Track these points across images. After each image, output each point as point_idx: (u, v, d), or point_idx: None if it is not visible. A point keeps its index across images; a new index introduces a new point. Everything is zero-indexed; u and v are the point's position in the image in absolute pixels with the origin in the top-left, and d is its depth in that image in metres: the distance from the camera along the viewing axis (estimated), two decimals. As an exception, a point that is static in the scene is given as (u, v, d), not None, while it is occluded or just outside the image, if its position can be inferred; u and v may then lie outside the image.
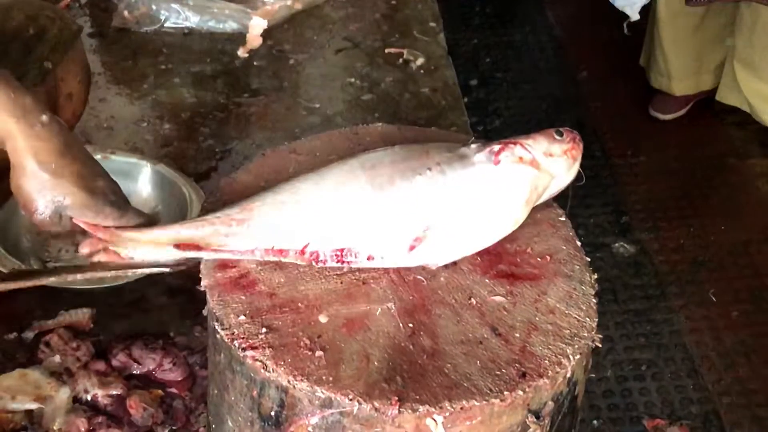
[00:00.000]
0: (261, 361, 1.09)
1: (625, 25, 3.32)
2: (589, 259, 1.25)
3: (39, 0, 1.43)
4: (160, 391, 1.65)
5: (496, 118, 3.47)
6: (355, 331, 1.13)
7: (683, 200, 3.09)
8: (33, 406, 1.59)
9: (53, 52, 1.32)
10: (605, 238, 2.93)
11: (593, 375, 2.47)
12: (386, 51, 2.45)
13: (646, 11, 3.27)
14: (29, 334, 1.73)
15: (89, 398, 1.62)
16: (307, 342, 1.11)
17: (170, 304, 1.76)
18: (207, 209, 1.27)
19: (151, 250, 1.20)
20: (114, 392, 1.63)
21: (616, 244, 2.91)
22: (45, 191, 1.13)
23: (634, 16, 3.27)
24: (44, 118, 1.12)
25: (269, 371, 1.09)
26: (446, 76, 2.37)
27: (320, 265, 1.18)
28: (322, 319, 1.14)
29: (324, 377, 1.07)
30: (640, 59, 3.46)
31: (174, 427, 1.61)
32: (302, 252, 1.17)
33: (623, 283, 2.79)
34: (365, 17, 2.61)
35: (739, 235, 2.88)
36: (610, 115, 3.47)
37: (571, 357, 1.11)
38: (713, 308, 2.64)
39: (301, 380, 1.07)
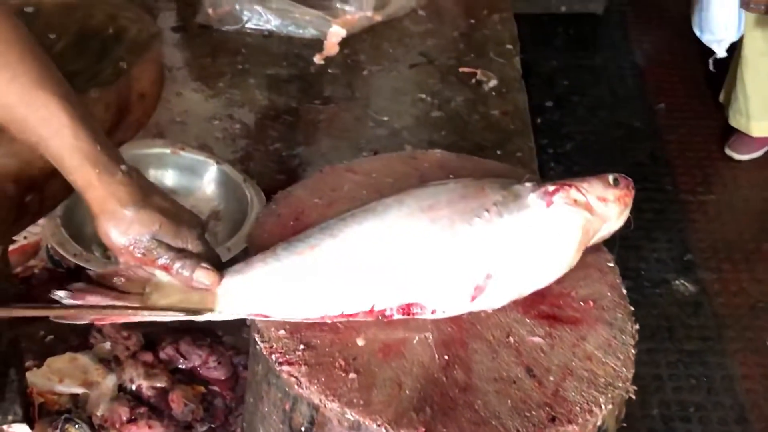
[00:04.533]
0: (296, 377, 1.11)
1: (710, 61, 3.29)
2: (633, 309, 1.24)
3: (122, 0, 1.47)
4: (202, 388, 1.69)
5: (567, 142, 3.46)
6: (390, 357, 1.14)
7: (750, 243, 3.05)
8: (79, 390, 1.63)
9: (130, 52, 1.35)
10: (666, 274, 2.90)
11: (637, 411, 2.46)
12: (460, 70, 2.46)
13: (733, 49, 3.23)
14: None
15: (134, 388, 1.66)
16: (343, 363, 1.13)
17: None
18: (260, 222, 1.29)
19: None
20: (158, 384, 1.66)
21: (677, 282, 2.88)
22: (133, 228, 1.12)
23: (721, 53, 3.25)
24: (123, 167, 1.13)
25: (303, 388, 1.11)
26: (518, 100, 2.37)
27: (387, 319, 1.18)
28: (360, 341, 1.15)
29: (355, 400, 1.09)
30: (720, 96, 3.42)
31: (212, 425, 1.64)
32: (370, 312, 1.17)
33: (680, 322, 2.76)
34: (443, 34, 2.62)
35: (803, 286, 2.84)
36: (685, 149, 3.44)
37: (603, 406, 1.11)
38: (768, 356, 2.61)
39: (333, 400, 1.09)
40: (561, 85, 3.74)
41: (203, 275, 1.14)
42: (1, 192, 1.24)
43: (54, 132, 1.09)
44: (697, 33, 3.29)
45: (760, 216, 3.14)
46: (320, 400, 1.09)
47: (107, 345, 1.72)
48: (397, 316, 1.17)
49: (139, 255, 1.13)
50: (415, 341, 1.16)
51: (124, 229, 1.12)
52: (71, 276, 1.84)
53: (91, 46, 1.35)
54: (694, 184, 3.28)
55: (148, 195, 1.14)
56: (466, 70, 2.46)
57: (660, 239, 3.05)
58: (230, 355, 1.74)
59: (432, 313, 1.17)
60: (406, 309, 1.17)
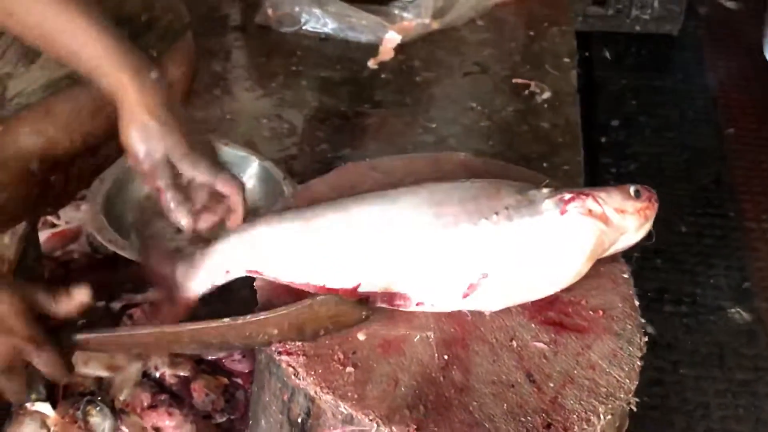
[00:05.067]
0: (293, 367, 1.12)
1: (782, 89, 3.22)
2: (643, 320, 1.21)
3: None
4: (225, 380, 1.70)
5: (631, 162, 3.39)
6: (389, 354, 1.14)
7: (813, 275, 2.95)
8: (103, 374, 1.66)
9: (160, 41, 1.37)
10: (722, 302, 2.82)
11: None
12: (513, 81, 2.44)
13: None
14: (116, 305, 1.80)
15: (157, 375, 1.68)
16: (341, 356, 1.13)
17: (252, 297, 1.80)
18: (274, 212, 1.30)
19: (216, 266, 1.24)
20: (181, 373, 1.68)
21: (732, 310, 2.79)
22: (151, 140, 1.18)
23: (793, 80, 3.17)
24: (153, 74, 1.19)
25: (299, 378, 1.11)
26: (569, 114, 2.34)
27: (370, 305, 1.18)
28: (360, 336, 1.15)
29: (349, 393, 1.08)
30: (792, 123, 3.34)
31: (232, 417, 1.65)
32: (353, 291, 1.17)
33: (732, 351, 2.67)
34: (500, 45, 2.61)
35: None
36: (752, 177, 3.35)
37: (601, 416, 1.09)
38: (823, 391, 2.52)
39: (327, 392, 1.09)
40: (629, 104, 3.67)
41: (180, 215, 1.21)
42: (25, 169, 1.27)
43: (83, 44, 1.16)
44: (768, 58, 3.22)
45: (827, 249, 3.04)
46: (315, 392, 1.09)
47: (136, 332, 1.74)
48: (380, 304, 1.17)
49: (147, 167, 1.19)
50: (416, 339, 1.15)
51: (144, 138, 1.18)
52: (108, 263, 1.88)
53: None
54: (759, 211, 3.19)
55: (172, 112, 1.19)
56: (519, 81, 2.44)
57: (718, 266, 2.96)
58: (256, 348, 1.75)
59: (417, 305, 1.16)
60: (390, 299, 1.16)
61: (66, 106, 1.29)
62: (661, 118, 3.61)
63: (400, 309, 1.18)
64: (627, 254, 1.30)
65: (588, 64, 3.74)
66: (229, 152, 2.00)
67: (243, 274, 1.24)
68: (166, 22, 1.40)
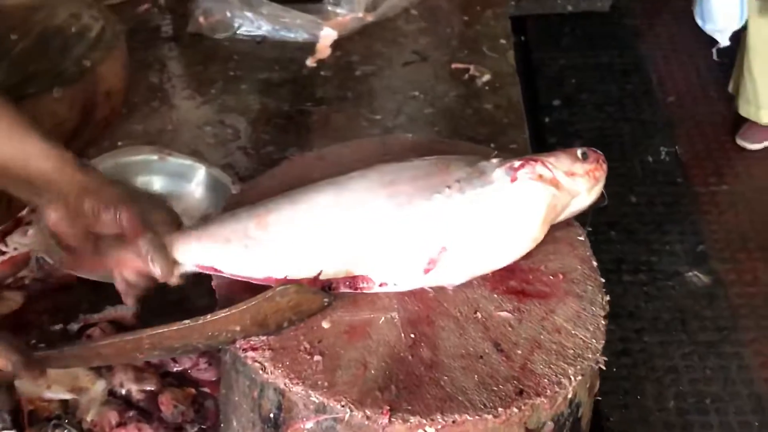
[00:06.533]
0: (260, 362, 1.11)
1: (714, 50, 3.26)
2: (603, 280, 1.22)
3: None
4: (192, 390, 1.67)
5: (576, 140, 3.43)
6: (356, 339, 1.13)
7: (764, 232, 3.00)
8: (68, 396, 1.63)
9: (93, 50, 1.36)
10: (679, 267, 2.86)
11: (653, 405, 2.42)
12: (452, 66, 2.45)
13: (737, 37, 3.19)
14: (74, 326, 1.77)
15: (123, 392, 1.65)
16: (307, 346, 1.12)
17: (212, 304, 1.78)
18: (225, 209, 1.29)
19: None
20: (148, 388, 1.66)
21: (690, 273, 2.84)
22: (109, 202, 1.17)
23: (723, 41, 3.21)
24: (83, 159, 1.21)
25: (267, 373, 1.10)
26: (511, 94, 2.35)
27: (334, 291, 1.18)
28: (325, 324, 1.15)
29: (319, 382, 1.08)
30: (730, 86, 3.38)
31: (203, 426, 1.63)
32: (315, 280, 1.17)
33: (694, 314, 2.71)
34: (436, 32, 2.61)
35: (820, 273, 2.78)
36: (695, 141, 3.40)
37: (572, 377, 1.09)
38: (785, 345, 2.56)
39: (297, 383, 1.08)
40: (569, 83, 3.72)
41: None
42: None
43: (5, 137, 1.14)
44: (699, 23, 3.25)
45: (774, 205, 3.09)
46: (285, 384, 1.09)
47: (98, 351, 1.71)
48: (343, 289, 1.16)
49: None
50: (381, 321, 1.15)
51: (98, 199, 1.16)
52: (62, 285, 1.85)
53: (53, 45, 1.35)
54: (705, 175, 3.25)
55: (108, 181, 1.20)
56: (458, 66, 2.45)
57: (672, 231, 3.01)
58: (221, 356, 1.73)
59: (381, 286, 1.16)
60: (353, 282, 1.16)
61: None
62: (601, 94, 3.66)
63: (365, 291, 1.18)
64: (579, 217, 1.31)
65: (525, 47, 3.78)
66: (175, 162, 1.97)
67: (196, 270, 1.21)
68: (97, 31, 1.38)
